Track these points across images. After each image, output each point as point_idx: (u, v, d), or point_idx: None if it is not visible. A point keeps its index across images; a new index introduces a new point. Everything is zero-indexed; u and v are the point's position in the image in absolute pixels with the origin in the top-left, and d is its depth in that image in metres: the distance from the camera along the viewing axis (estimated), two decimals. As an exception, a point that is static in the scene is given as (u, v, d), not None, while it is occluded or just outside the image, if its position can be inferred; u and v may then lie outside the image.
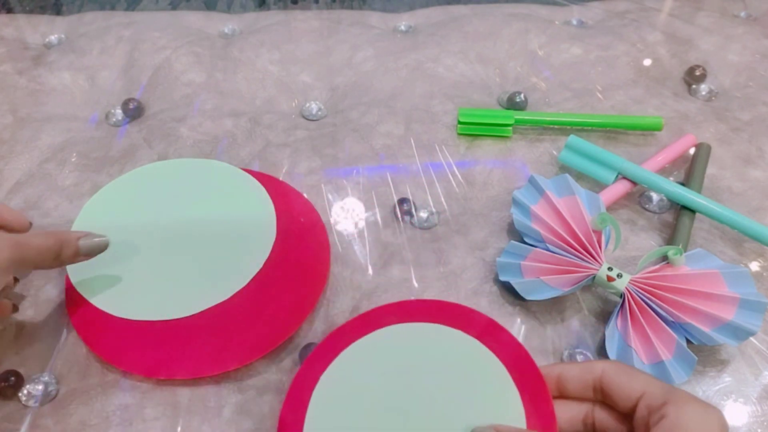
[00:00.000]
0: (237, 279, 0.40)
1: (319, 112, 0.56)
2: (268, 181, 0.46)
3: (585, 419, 0.31)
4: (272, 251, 0.41)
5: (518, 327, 0.40)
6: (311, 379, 0.34)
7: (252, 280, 0.40)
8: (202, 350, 0.38)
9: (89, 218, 0.43)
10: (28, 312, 0.41)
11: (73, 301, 0.40)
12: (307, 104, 0.57)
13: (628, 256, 0.44)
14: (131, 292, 0.39)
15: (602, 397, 0.30)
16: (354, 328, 0.37)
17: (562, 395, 0.32)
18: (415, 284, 0.43)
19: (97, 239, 0.37)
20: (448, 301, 0.38)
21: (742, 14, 0.68)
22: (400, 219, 0.47)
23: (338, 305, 0.42)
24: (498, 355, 0.34)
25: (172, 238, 0.42)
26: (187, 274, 0.40)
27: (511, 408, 0.32)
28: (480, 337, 0.35)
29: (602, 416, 0.31)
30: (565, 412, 0.31)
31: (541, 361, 0.38)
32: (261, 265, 0.40)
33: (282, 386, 0.38)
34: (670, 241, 0.44)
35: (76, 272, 0.40)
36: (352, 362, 0.35)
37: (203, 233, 0.42)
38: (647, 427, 0.26)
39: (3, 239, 0.32)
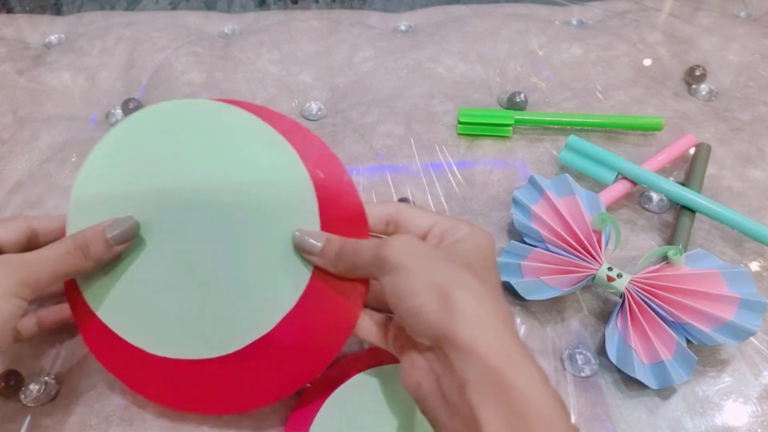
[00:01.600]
0: (282, 298, 0.33)
1: (319, 112, 0.56)
2: (289, 130, 0.36)
3: (388, 222, 0.35)
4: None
5: (518, 327, 0.40)
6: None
7: (300, 297, 0.33)
8: (237, 388, 0.33)
9: (84, 206, 0.35)
10: (26, 314, 0.41)
11: (80, 311, 0.35)
12: (307, 104, 0.57)
13: (628, 256, 0.44)
14: (151, 315, 0.33)
15: (394, 229, 0.35)
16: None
17: None
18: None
19: (124, 224, 0.33)
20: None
21: (742, 14, 0.68)
22: (400, 219, 0.47)
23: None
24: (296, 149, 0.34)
25: (192, 235, 0.34)
26: (219, 291, 0.33)
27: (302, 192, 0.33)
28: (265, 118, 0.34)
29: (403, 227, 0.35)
30: (374, 211, 0.35)
31: (542, 362, 0.38)
32: (308, 278, 0.33)
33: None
34: (670, 241, 0.44)
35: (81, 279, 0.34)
36: (118, 149, 0.34)
37: (233, 231, 0.34)
38: (439, 242, 0.33)
39: (3, 264, 0.30)
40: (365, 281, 0.33)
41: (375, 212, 0.35)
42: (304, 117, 0.56)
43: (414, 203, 0.35)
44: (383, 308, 0.34)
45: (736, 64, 0.60)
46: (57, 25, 0.66)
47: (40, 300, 0.37)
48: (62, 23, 0.66)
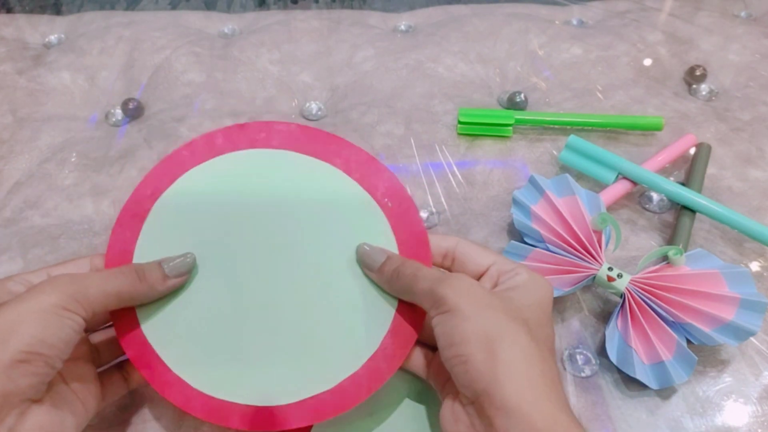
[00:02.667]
0: (353, 354, 0.32)
1: (319, 112, 0.56)
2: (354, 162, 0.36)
3: (445, 255, 0.35)
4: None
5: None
6: (137, 221, 0.32)
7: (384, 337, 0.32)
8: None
9: (152, 247, 0.34)
10: (27, 312, 0.41)
11: (138, 351, 0.32)
12: (307, 104, 0.57)
13: (628, 256, 0.44)
14: (220, 357, 0.32)
15: (450, 263, 0.35)
16: (194, 151, 0.34)
17: None
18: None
19: (181, 258, 0.33)
20: (305, 125, 0.36)
21: (743, 14, 0.68)
22: (400, 219, 0.47)
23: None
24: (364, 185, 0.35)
25: (264, 275, 0.33)
26: (294, 333, 0.32)
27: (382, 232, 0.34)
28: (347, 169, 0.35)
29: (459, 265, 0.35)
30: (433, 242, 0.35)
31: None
32: (391, 319, 0.33)
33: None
34: (671, 241, 0.44)
35: (144, 313, 0.33)
36: (184, 201, 0.33)
37: (308, 270, 0.33)
38: (495, 284, 0.32)
39: (52, 281, 0.29)
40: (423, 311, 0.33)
41: (434, 244, 0.35)
42: (304, 117, 0.56)
43: (468, 240, 0.35)
44: (427, 340, 0.34)
45: (736, 64, 0.60)
46: (57, 24, 0.66)
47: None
48: (62, 23, 0.66)
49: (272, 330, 0.32)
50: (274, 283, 0.33)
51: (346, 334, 0.33)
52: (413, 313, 0.33)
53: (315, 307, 0.33)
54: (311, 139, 0.37)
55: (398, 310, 0.33)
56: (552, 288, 0.32)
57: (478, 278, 0.33)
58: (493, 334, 0.27)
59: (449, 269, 0.35)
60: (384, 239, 0.35)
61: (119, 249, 0.34)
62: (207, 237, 0.34)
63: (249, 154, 0.36)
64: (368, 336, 0.32)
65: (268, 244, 0.34)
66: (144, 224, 0.34)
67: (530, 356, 0.27)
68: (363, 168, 0.36)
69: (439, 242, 0.35)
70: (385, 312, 0.33)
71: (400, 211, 0.36)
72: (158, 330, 0.32)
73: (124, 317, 0.33)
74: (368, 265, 0.34)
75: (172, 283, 0.32)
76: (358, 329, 0.33)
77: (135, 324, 0.32)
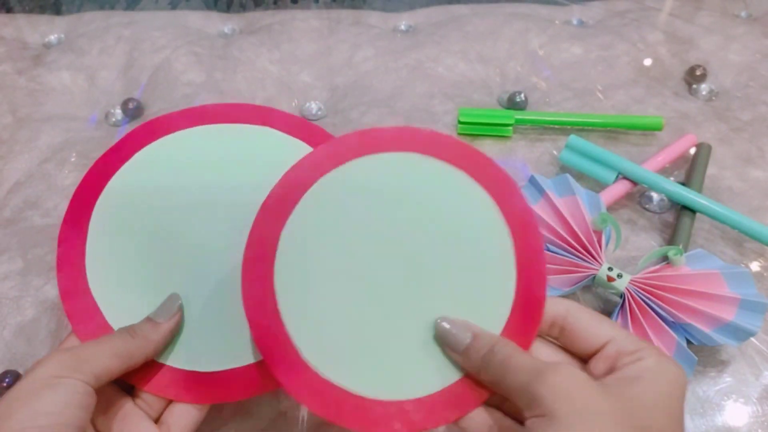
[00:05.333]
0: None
1: (319, 112, 0.56)
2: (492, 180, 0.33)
3: (553, 323, 0.30)
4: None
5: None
6: (279, 218, 0.31)
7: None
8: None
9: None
10: (27, 312, 0.41)
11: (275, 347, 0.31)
12: (307, 104, 0.57)
13: (628, 256, 0.44)
14: (342, 348, 0.31)
15: (559, 334, 0.30)
16: (319, 161, 0.33)
17: None
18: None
19: (164, 303, 0.32)
20: (440, 132, 0.33)
21: (743, 14, 0.67)
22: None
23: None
24: (499, 207, 0.31)
25: (390, 282, 0.32)
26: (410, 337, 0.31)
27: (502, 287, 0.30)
28: (483, 182, 0.32)
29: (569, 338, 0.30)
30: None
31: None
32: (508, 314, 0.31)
33: (282, 386, 0.38)
34: (671, 241, 0.44)
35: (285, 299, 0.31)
36: (320, 205, 0.32)
37: (428, 285, 0.31)
38: (613, 367, 0.27)
39: (50, 354, 0.28)
40: None
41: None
42: (304, 117, 0.56)
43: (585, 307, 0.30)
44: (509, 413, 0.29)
45: (736, 63, 0.60)
46: (56, 24, 0.66)
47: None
48: (61, 23, 0.66)
49: (401, 332, 0.31)
50: (402, 286, 0.32)
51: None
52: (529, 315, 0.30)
53: (436, 308, 0.31)
54: (451, 146, 0.34)
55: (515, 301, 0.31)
56: (686, 377, 0.26)
57: (591, 356, 0.28)
58: None
59: (556, 340, 0.30)
60: (502, 279, 0.31)
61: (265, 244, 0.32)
62: (346, 237, 0.33)
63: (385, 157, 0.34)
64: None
65: (397, 248, 0.32)
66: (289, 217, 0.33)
67: None
68: (502, 187, 0.33)
69: (547, 307, 0.30)
70: (502, 309, 0.31)
71: (529, 256, 0.31)
72: (306, 335, 0.31)
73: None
74: (450, 344, 0.29)
75: (165, 326, 0.31)
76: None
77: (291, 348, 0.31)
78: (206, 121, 0.38)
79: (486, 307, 0.31)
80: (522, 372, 0.26)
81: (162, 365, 0.32)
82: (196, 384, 0.32)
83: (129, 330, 0.31)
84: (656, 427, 0.24)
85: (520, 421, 0.28)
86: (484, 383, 0.28)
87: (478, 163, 0.33)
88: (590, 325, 0.28)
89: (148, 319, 0.31)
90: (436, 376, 0.30)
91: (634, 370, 0.26)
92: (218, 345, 0.33)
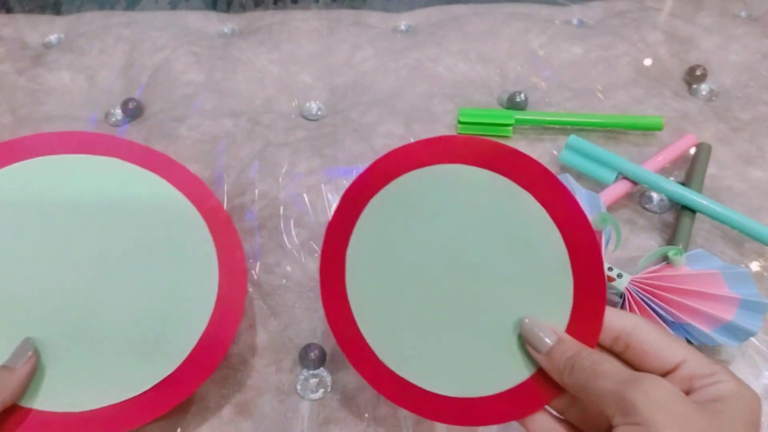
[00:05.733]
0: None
1: (319, 112, 0.56)
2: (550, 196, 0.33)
3: (618, 338, 0.29)
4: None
5: (518, 327, 0.40)
6: (343, 238, 0.34)
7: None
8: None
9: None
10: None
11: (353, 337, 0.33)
12: (307, 104, 0.57)
13: (628, 256, 0.44)
14: (412, 349, 0.33)
15: (624, 349, 0.29)
16: (378, 174, 0.34)
17: None
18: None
19: (15, 350, 0.32)
20: (496, 141, 0.34)
21: (743, 14, 0.67)
22: (400, 219, 0.47)
23: (338, 305, 0.42)
24: (560, 228, 0.31)
25: (449, 289, 0.33)
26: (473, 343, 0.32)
27: (559, 295, 0.31)
28: (538, 196, 0.32)
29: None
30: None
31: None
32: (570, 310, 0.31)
33: (282, 386, 0.38)
34: (671, 241, 0.44)
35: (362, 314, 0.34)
36: (383, 215, 0.34)
37: (483, 296, 0.32)
38: (688, 388, 0.26)
39: None
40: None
41: (607, 321, 0.29)
42: (304, 117, 0.56)
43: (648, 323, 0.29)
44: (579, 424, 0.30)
45: (736, 63, 0.60)
46: (56, 24, 0.66)
47: None
48: (61, 23, 0.66)
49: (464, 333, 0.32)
50: (462, 293, 0.33)
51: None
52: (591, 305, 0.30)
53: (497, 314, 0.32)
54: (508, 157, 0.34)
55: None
56: (761, 402, 0.26)
57: (662, 376, 0.27)
58: None
59: (619, 357, 0.29)
60: (559, 291, 0.31)
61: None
62: (407, 248, 0.34)
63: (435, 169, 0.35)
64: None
65: (455, 256, 0.33)
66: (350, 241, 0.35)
67: None
68: (557, 197, 0.33)
69: (611, 320, 0.29)
70: (561, 317, 0.31)
71: (586, 265, 0.31)
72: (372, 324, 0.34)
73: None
74: (534, 345, 0.29)
75: (22, 371, 0.32)
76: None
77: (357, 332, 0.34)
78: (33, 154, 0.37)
79: (544, 316, 0.31)
80: (612, 378, 0.25)
81: (30, 410, 0.32)
82: (68, 426, 0.33)
83: None
84: None
85: (582, 429, 0.29)
86: (565, 386, 0.28)
87: (529, 170, 0.33)
88: (661, 345, 0.27)
89: (3, 367, 0.31)
90: (501, 376, 0.31)
91: (714, 393, 0.25)
92: (86, 385, 0.33)
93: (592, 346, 0.29)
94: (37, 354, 0.33)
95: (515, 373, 0.31)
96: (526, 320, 0.30)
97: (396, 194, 0.35)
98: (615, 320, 0.29)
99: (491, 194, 0.33)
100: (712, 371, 0.26)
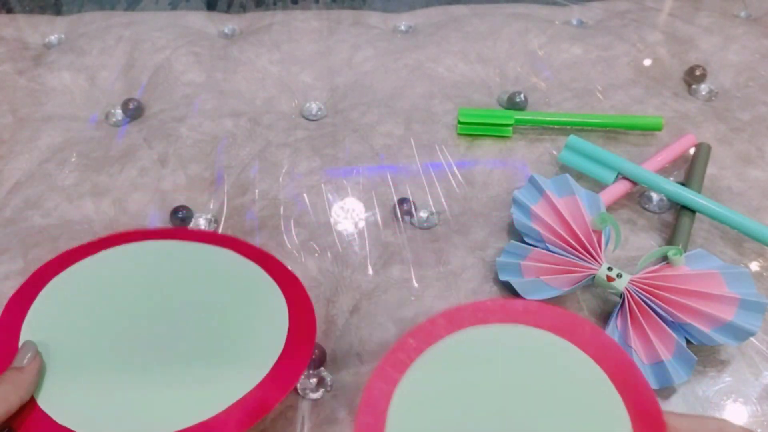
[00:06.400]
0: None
1: (319, 112, 0.56)
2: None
3: None
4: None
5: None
6: (387, 389, 0.32)
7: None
8: None
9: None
10: (28, 312, 0.41)
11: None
12: (307, 104, 0.57)
13: (628, 256, 0.44)
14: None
15: None
16: (432, 328, 0.34)
17: None
18: (415, 284, 0.43)
19: (20, 351, 0.34)
20: (551, 305, 0.34)
21: (742, 14, 0.68)
22: (400, 219, 0.47)
23: (338, 305, 0.42)
24: (611, 378, 0.31)
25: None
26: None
27: None
28: (593, 354, 0.32)
29: None
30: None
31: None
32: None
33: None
34: (670, 241, 0.44)
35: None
36: (433, 368, 0.33)
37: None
38: None
39: None
40: None
41: (688, 429, 0.28)
42: (304, 117, 0.56)
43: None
44: None
45: (736, 64, 0.60)
46: (57, 25, 0.66)
47: None
48: (62, 23, 0.66)
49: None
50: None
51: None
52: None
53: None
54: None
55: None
56: None
57: None
58: None
59: None
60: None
61: None
62: (454, 402, 0.32)
63: None
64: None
65: (507, 413, 0.32)
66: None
67: None
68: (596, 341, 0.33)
69: (696, 428, 0.28)
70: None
71: (636, 399, 0.31)
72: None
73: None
74: None
75: (30, 368, 0.33)
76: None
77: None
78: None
79: None
80: None
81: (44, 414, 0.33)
82: None
83: None
84: None
85: None
86: None
87: (584, 333, 0.33)
88: None
89: (14, 368, 0.33)
90: None
91: None
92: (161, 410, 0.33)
93: None
94: (39, 353, 0.34)
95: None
96: None
97: (453, 345, 0.34)
98: (700, 427, 0.28)
99: (545, 354, 0.33)
100: None
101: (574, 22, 0.67)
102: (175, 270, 0.39)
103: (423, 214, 0.47)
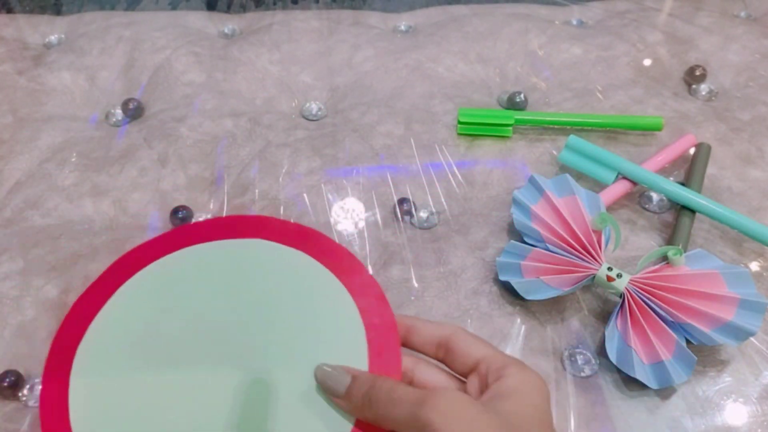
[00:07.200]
0: None
1: (319, 112, 0.56)
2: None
3: (439, 345, 0.32)
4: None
5: (518, 327, 0.40)
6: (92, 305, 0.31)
7: None
8: None
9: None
10: (28, 312, 0.41)
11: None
12: (307, 104, 0.57)
13: (628, 256, 0.44)
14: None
15: (444, 354, 0.31)
16: (153, 247, 0.33)
17: (407, 344, 0.33)
18: (415, 284, 0.43)
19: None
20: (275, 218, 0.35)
21: (742, 14, 0.68)
22: (400, 219, 0.47)
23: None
24: (346, 285, 0.33)
25: (223, 374, 0.31)
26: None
27: (353, 343, 0.31)
28: (323, 260, 0.33)
29: (422, 373, 0.32)
30: (428, 329, 0.32)
31: (542, 362, 0.38)
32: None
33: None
34: (670, 241, 0.44)
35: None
36: (148, 285, 0.32)
37: (267, 370, 0.31)
38: (485, 384, 0.29)
39: None
40: None
41: (429, 332, 0.32)
42: (304, 117, 0.56)
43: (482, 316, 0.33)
44: None
45: (736, 64, 0.60)
46: (57, 25, 0.66)
47: None
48: (62, 23, 0.66)
49: None
50: (228, 387, 0.30)
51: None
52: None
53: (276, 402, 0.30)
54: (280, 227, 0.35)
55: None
56: (547, 387, 0.28)
57: (468, 374, 0.30)
58: None
59: (443, 361, 0.32)
60: (351, 329, 0.32)
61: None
62: (168, 324, 0.32)
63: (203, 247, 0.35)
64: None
65: (220, 341, 0.31)
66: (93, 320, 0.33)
67: None
68: (330, 254, 0.34)
69: (434, 330, 0.32)
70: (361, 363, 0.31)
71: (374, 307, 0.33)
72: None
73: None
74: (331, 390, 0.29)
75: None
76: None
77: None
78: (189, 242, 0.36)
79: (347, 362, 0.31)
80: (407, 402, 0.26)
81: None
82: None
83: None
84: None
85: None
86: (372, 423, 0.29)
87: (316, 243, 0.35)
88: (468, 346, 0.30)
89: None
90: None
91: (502, 387, 0.28)
92: None
93: (399, 378, 0.30)
94: None
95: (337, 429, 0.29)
96: (318, 369, 0.30)
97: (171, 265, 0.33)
98: (436, 329, 0.31)
99: (277, 264, 0.34)
100: (500, 365, 0.28)
101: (574, 22, 0.67)
102: (250, 280, 0.34)
103: (423, 214, 0.47)
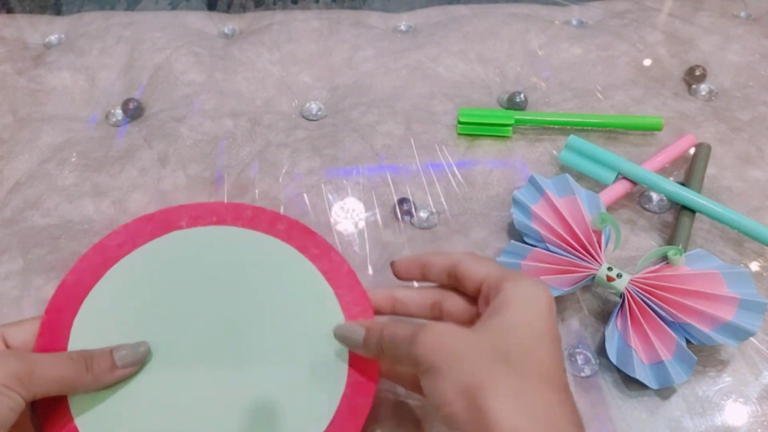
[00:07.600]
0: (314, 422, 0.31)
1: (319, 112, 0.56)
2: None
3: (433, 305, 0.33)
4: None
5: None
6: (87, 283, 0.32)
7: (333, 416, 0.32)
8: None
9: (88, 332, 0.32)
10: (28, 312, 0.41)
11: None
12: (307, 104, 0.57)
13: (628, 256, 0.44)
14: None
15: (455, 282, 0.32)
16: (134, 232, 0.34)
17: (426, 278, 0.34)
18: (415, 284, 0.43)
19: (134, 348, 0.31)
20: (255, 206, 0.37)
21: (742, 14, 0.68)
22: (400, 219, 0.47)
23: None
24: (317, 265, 0.35)
25: (208, 359, 0.32)
26: (248, 417, 0.31)
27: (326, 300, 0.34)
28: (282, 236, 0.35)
29: (451, 303, 0.33)
30: (414, 297, 0.34)
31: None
32: (346, 376, 0.32)
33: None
34: (670, 241, 0.44)
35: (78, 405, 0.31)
36: (131, 271, 0.33)
37: (252, 352, 0.33)
38: (488, 302, 0.29)
39: (3, 354, 0.28)
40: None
41: (440, 263, 0.33)
42: (304, 117, 0.56)
43: (471, 253, 0.33)
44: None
45: (736, 64, 0.60)
46: (57, 25, 0.66)
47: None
48: (62, 23, 0.66)
49: (225, 417, 0.31)
50: (221, 365, 0.32)
51: (303, 404, 0.31)
52: (366, 364, 0.32)
53: (266, 383, 0.32)
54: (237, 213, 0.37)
55: (351, 365, 0.32)
56: (548, 294, 0.29)
57: (476, 297, 0.31)
58: (472, 386, 0.25)
59: (455, 289, 0.33)
60: (321, 291, 0.35)
61: (55, 326, 0.32)
62: (151, 311, 0.33)
63: (189, 232, 0.36)
64: (328, 399, 0.31)
65: (212, 323, 0.33)
66: (83, 303, 0.33)
67: (517, 400, 0.25)
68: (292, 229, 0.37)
69: (443, 261, 0.33)
70: (340, 370, 0.32)
71: (332, 266, 0.36)
72: (94, 426, 0.30)
73: (54, 408, 0.30)
74: (351, 343, 0.32)
75: (120, 374, 0.30)
76: (314, 395, 0.31)
77: (68, 418, 0.30)
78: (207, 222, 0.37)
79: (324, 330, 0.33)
80: (403, 342, 0.28)
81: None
82: None
83: (87, 361, 0.30)
84: (516, 348, 0.26)
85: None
86: (388, 365, 0.32)
87: (283, 227, 0.37)
88: (470, 269, 0.31)
89: (109, 358, 0.30)
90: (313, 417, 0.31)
91: (496, 302, 0.28)
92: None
93: (371, 317, 0.34)
94: (141, 363, 0.31)
95: (329, 405, 0.31)
96: (337, 328, 0.33)
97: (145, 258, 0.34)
98: (444, 259, 0.33)
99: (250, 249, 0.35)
100: (498, 281, 0.29)
101: (574, 22, 0.67)
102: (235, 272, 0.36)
103: (423, 214, 0.47)
